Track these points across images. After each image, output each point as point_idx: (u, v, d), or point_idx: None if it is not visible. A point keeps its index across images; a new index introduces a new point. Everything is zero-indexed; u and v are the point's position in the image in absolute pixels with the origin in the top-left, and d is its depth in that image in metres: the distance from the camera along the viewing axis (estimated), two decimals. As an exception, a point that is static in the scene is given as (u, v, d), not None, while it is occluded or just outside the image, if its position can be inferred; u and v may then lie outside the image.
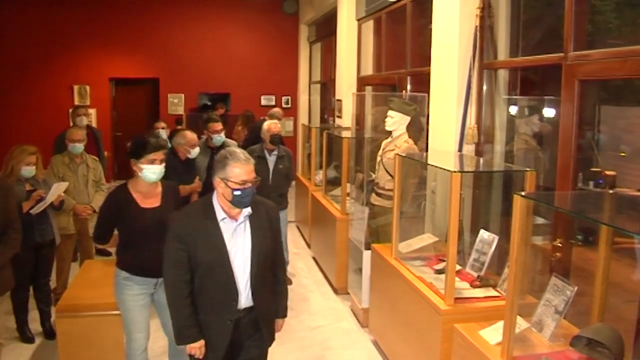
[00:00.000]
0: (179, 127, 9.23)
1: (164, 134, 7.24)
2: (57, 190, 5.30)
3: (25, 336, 5.52)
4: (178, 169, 5.83)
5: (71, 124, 8.25)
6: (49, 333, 5.52)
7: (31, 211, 5.10)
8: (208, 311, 3.20)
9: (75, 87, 13.50)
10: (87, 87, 13.55)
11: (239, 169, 3.09)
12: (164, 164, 3.95)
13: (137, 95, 14.33)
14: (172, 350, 4.24)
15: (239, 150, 3.19)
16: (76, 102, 13.33)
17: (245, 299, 3.21)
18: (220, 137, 6.43)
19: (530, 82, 5.54)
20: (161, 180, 4.05)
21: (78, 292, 4.98)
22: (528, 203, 3.00)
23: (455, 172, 3.96)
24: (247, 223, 3.22)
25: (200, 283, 3.17)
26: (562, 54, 4.25)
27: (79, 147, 6.24)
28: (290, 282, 7.02)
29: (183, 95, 13.98)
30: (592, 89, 4.45)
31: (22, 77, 12.96)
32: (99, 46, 13.41)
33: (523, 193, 3.05)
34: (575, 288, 3.27)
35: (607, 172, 3.99)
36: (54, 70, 13.25)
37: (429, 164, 5.21)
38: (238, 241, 3.19)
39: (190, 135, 5.96)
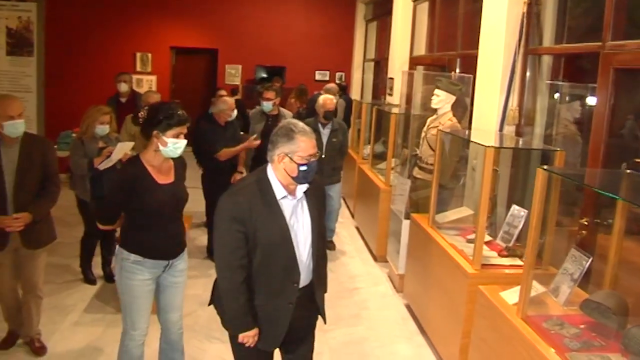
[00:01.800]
0: (235, 96, 9.70)
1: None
2: (122, 149, 5.41)
3: (88, 278, 6.11)
4: (220, 132, 6.49)
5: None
6: (109, 276, 6.10)
7: (99, 166, 5.42)
8: (268, 295, 3.04)
9: (138, 55, 14.04)
10: (149, 55, 14.07)
11: (306, 143, 2.94)
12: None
13: (196, 65, 14.82)
14: (165, 339, 4.07)
15: (301, 123, 3.03)
16: (138, 69, 13.98)
17: (304, 278, 3.10)
18: (268, 104, 6.90)
19: (575, 69, 5.76)
20: None
21: None
22: (549, 176, 3.32)
23: (489, 146, 4.27)
24: (304, 200, 3.10)
25: (260, 266, 2.99)
26: (600, 43, 4.48)
27: None
28: (334, 247, 7.45)
29: (240, 66, 14.42)
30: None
31: (87, 44, 13.48)
32: (160, 15, 13.90)
33: (545, 167, 3.36)
34: (591, 258, 3.56)
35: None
36: (117, 38, 13.77)
37: (466, 139, 5.50)
38: (298, 219, 3.07)
39: (230, 100, 6.68)
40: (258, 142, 6.45)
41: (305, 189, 3.06)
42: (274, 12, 14.36)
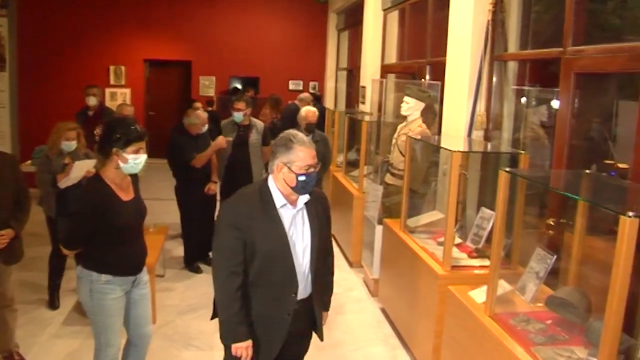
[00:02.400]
0: (210, 108, 9.79)
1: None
2: (82, 167, 5.33)
3: (52, 303, 5.89)
4: (191, 144, 6.63)
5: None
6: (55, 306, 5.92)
7: (60, 184, 5.35)
8: (265, 305, 3.04)
9: (111, 68, 14.06)
10: (123, 68, 14.10)
11: (304, 153, 2.96)
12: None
13: (170, 77, 14.87)
14: (134, 354, 4.01)
15: (300, 133, 3.05)
16: (112, 82, 14.02)
17: (302, 290, 3.09)
18: (239, 115, 6.97)
19: (542, 74, 5.91)
20: None
21: None
22: (511, 177, 3.45)
23: (455, 151, 4.39)
24: (304, 210, 3.10)
25: (257, 275, 2.99)
26: (561, 49, 4.63)
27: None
28: None
29: (214, 77, 14.52)
30: (611, 83, 4.81)
31: (60, 58, 13.46)
32: (133, 28, 13.96)
33: (507, 169, 3.48)
34: (555, 256, 3.69)
35: (620, 165, 4.18)
36: (90, 51, 13.75)
37: (434, 145, 5.62)
38: (297, 229, 3.06)
39: (203, 115, 6.82)
40: (225, 140, 6.65)
41: (306, 200, 3.07)
42: (247, 23, 14.45)
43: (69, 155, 5.60)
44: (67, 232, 3.69)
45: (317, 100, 12.47)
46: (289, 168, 2.95)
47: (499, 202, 3.50)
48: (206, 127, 6.77)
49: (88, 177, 3.80)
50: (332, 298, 6.05)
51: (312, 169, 2.99)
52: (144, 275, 3.93)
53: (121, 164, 3.53)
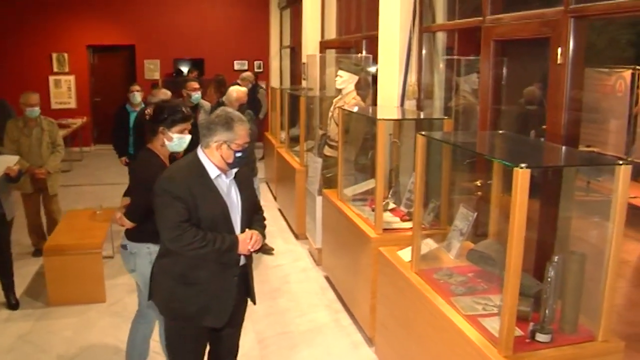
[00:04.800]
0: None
1: (138, 96, 7.59)
2: (2, 163, 5.32)
3: (9, 303, 5.63)
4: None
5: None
6: (13, 305, 5.64)
7: None
8: (213, 272, 3.16)
9: (54, 55, 13.94)
10: (65, 55, 14.00)
11: (243, 131, 3.10)
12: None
13: (114, 62, 14.78)
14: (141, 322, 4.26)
15: (236, 112, 3.18)
16: (55, 70, 13.94)
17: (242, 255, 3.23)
18: (197, 95, 7.05)
19: (470, 44, 6.12)
20: None
21: (63, 235, 5.86)
22: (427, 141, 3.66)
23: (380, 119, 4.58)
24: (233, 181, 3.23)
25: None
26: (481, 18, 4.84)
27: (36, 110, 6.49)
28: (273, 252, 7.15)
29: (159, 61, 14.48)
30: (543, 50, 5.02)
31: (1, 46, 13.32)
32: (75, 14, 13.83)
33: (423, 133, 3.69)
34: (475, 214, 3.92)
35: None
36: (32, 39, 13.65)
37: (361, 114, 5.79)
38: (232, 196, 3.19)
39: (169, 93, 6.75)
40: None
41: (236, 170, 3.21)
42: (190, 4, 14.43)
43: None
44: (130, 206, 3.83)
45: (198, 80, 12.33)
46: (228, 145, 3.06)
47: (417, 164, 3.70)
48: None
49: (142, 152, 3.90)
50: (279, 269, 6.28)
51: (246, 145, 3.12)
52: None
53: (167, 142, 3.75)
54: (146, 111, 6.22)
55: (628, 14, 4.15)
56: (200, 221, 3.05)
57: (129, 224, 3.84)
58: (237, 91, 6.76)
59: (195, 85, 7.13)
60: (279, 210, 8.82)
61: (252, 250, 3.20)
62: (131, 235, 3.88)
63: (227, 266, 3.18)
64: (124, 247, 3.93)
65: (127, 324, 5.17)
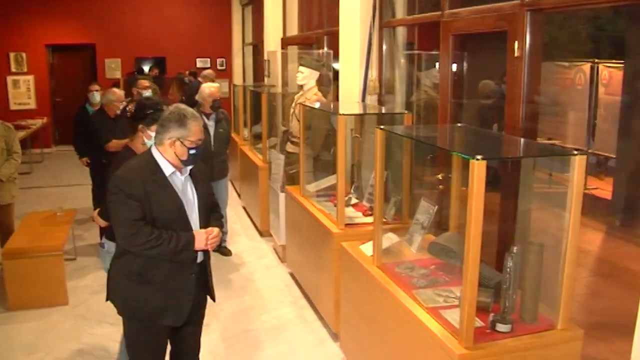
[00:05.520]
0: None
1: (97, 95, 7.42)
2: None
3: None
4: (109, 126, 6.38)
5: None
6: None
7: None
8: (170, 270, 3.12)
9: (12, 55, 13.70)
10: (24, 54, 13.77)
11: (197, 128, 3.07)
12: None
13: (74, 61, 14.59)
14: None
15: (189, 108, 3.14)
16: (13, 69, 13.71)
17: (200, 252, 3.21)
18: (148, 93, 6.97)
19: (430, 38, 6.16)
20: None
21: (22, 238, 5.75)
22: (387, 135, 3.67)
23: (340, 114, 4.58)
24: (189, 178, 3.21)
25: None
26: (440, 12, 4.87)
27: None
28: (230, 253, 7.02)
29: (120, 60, 14.34)
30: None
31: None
32: (33, 13, 13.60)
33: (382, 127, 3.69)
34: (436, 207, 3.95)
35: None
36: (-12, 38, 13.33)
37: (323, 110, 5.77)
38: (187, 194, 3.17)
39: (119, 92, 6.60)
40: None
41: (190, 167, 3.18)
42: (151, 2, 14.33)
43: None
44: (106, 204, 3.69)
45: (194, 76, 12.31)
46: (181, 142, 3.03)
47: (377, 158, 3.71)
48: (123, 104, 6.60)
49: (120, 150, 3.87)
50: (243, 266, 6.25)
51: (200, 142, 3.09)
52: None
53: (146, 140, 3.68)
54: (127, 108, 6.18)
55: (582, 7, 4.24)
56: (155, 219, 3.03)
57: (102, 223, 3.85)
58: (209, 87, 6.66)
59: (146, 83, 7.14)
60: (243, 207, 8.79)
61: (210, 247, 3.16)
62: (109, 234, 3.84)
63: (184, 264, 3.15)
64: (102, 245, 3.95)
65: (91, 326, 5.16)
